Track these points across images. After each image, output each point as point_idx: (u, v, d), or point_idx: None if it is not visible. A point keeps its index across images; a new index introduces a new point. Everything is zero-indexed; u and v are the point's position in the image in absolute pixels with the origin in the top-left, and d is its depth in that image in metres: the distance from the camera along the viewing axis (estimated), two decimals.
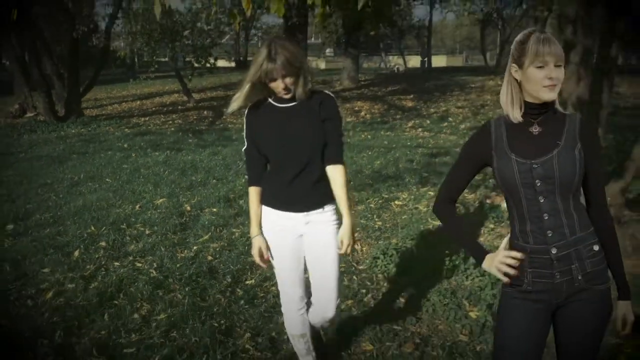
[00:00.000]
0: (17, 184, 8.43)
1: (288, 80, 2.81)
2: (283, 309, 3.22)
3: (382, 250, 5.03)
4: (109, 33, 17.37)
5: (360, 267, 4.98)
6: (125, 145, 11.62)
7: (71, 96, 15.78)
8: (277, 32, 34.48)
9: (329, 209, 3.01)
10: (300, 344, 3.24)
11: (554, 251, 2.07)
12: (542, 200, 2.07)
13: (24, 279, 4.89)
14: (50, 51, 15.92)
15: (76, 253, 5.40)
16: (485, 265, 2.16)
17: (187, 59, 20.63)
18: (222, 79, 27.33)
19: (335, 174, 2.94)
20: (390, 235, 5.65)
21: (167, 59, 19.98)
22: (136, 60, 28.70)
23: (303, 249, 3.10)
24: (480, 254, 2.20)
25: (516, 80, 2.08)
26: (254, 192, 3.06)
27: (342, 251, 3.01)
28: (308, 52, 22.19)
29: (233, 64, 39.71)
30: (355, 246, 5.08)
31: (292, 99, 2.91)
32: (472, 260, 4.78)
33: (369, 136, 12.03)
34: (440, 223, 2.47)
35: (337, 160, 2.94)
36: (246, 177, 3.13)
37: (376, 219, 6.15)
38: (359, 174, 8.27)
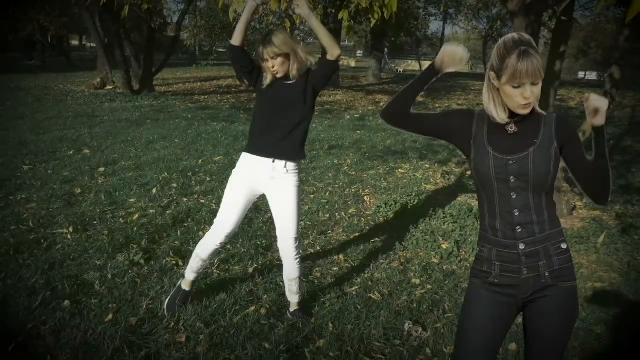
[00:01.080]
0: (104, 139, 8.77)
1: (277, 61, 2.99)
2: (208, 235, 3.32)
3: (385, 201, 5.59)
4: (179, 25, 17.60)
5: (367, 213, 5.52)
6: (189, 116, 11.84)
7: (145, 74, 16.04)
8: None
9: (291, 168, 3.16)
10: (197, 264, 3.34)
11: (522, 247, 1.86)
12: (514, 197, 1.86)
13: (115, 205, 5.39)
14: (129, 38, 16.42)
15: (154, 190, 5.93)
16: (438, 60, 1.96)
17: None
18: None
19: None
20: (392, 193, 6.16)
21: (224, 50, 20.39)
22: (197, 49, 29.24)
23: (252, 200, 3.28)
24: (430, 67, 1.99)
25: (494, 85, 1.83)
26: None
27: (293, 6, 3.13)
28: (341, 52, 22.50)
29: None
30: (365, 198, 5.68)
31: (289, 78, 3.10)
32: (448, 209, 5.33)
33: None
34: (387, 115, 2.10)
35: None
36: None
37: (383, 181, 6.65)
38: (373, 149, 8.74)
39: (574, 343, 3.18)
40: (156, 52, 17.57)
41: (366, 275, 4.04)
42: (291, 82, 3.12)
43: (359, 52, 47.82)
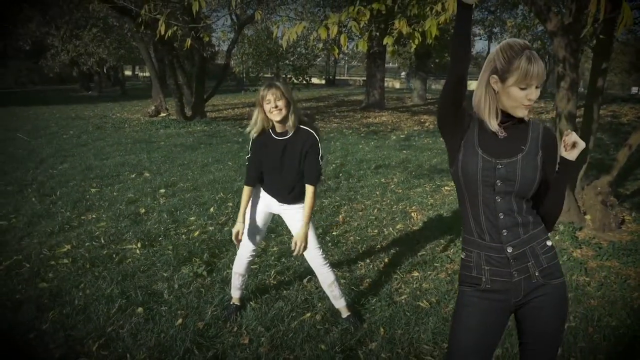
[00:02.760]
0: (162, 163, 9.27)
1: (279, 102, 3.16)
2: (238, 252, 3.64)
3: (431, 217, 5.78)
4: (229, 53, 18.15)
5: (414, 228, 5.70)
6: (240, 140, 12.22)
7: (197, 101, 16.57)
8: (361, 57, 35.11)
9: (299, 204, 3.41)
10: (238, 280, 3.69)
11: (509, 250, 1.86)
12: (498, 200, 1.85)
13: (177, 223, 5.77)
14: (182, 67, 17.09)
15: (211, 209, 6.30)
16: None
17: (288, 76, 21.61)
18: (315, 92, 28.32)
19: (308, 191, 3.29)
20: (439, 209, 6.32)
21: (271, 75, 20.97)
22: (244, 75, 30.08)
23: (269, 219, 3.58)
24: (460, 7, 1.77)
25: (493, 89, 1.83)
26: (247, 190, 3.45)
27: (295, 252, 3.31)
28: (385, 74, 22.86)
29: (324, 81, 40.79)
30: (412, 214, 5.88)
31: (285, 134, 3.28)
32: None
33: (430, 141, 12.47)
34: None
35: (311, 182, 3.28)
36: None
37: (429, 198, 6.83)
38: (419, 167, 8.92)
39: (619, 348, 3.30)
40: (206, 79, 18.19)
41: (414, 286, 4.24)
42: (288, 137, 3.29)
43: (403, 73, 47.97)
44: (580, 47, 5.15)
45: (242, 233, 3.46)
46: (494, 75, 1.81)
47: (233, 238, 3.46)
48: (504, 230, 1.86)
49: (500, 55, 1.80)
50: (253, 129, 3.34)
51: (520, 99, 1.78)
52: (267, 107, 3.19)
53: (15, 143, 11.51)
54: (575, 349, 3.29)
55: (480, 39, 32.40)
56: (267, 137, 3.34)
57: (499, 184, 1.84)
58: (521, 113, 1.82)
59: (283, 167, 3.33)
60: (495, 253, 1.88)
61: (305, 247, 3.32)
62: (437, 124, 1.94)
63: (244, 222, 3.47)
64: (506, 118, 1.87)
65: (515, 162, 1.83)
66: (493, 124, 1.85)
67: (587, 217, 5.54)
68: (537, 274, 1.88)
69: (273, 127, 3.32)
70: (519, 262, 1.87)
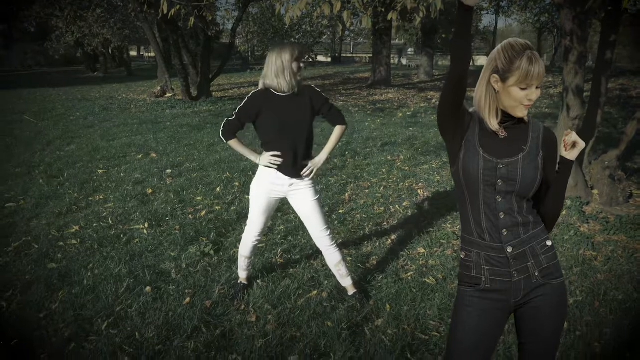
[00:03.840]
0: (169, 143, 9.28)
1: (302, 64, 3.31)
2: (244, 235, 3.63)
3: (438, 194, 5.77)
4: (234, 32, 17.96)
5: (421, 205, 5.70)
6: None
7: (203, 81, 16.49)
8: (367, 34, 34.82)
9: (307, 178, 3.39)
10: (244, 262, 3.71)
11: (509, 250, 1.86)
12: (499, 200, 1.86)
13: (184, 203, 5.80)
14: (187, 46, 16.98)
15: (218, 189, 6.31)
16: None
17: None
18: (321, 70, 28.03)
19: (337, 130, 3.41)
20: (446, 186, 6.31)
21: None
22: (250, 54, 29.92)
23: (276, 203, 3.49)
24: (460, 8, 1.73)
25: (494, 88, 1.83)
26: (235, 142, 3.41)
27: (306, 173, 3.36)
28: (392, 50, 22.65)
29: (329, 59, 40.44)
30: (419, 191, 5.87)
31: (289, 90, 3.26)
32: None
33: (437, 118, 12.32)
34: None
35: (341, 122, 3.40)
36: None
37: (436, 175, 6.80)
38: (426, 145, 8.86)
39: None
40: (212, 59, 18.10)
41: (421, 262, 4.25)
42: (293, 93, 3.29)
43: (409, 49, 47.56)
44: (588, 20, 5.06)
45: (272, 156, 3.32)
46: (495, 75, 1.81)
47: (272, 160, 3.31)
48: (504, 230, 1.86)
49: (502, 54, 1.79)
50: (285, 86, 3.25)
51: (521, 99, 1.78)
52: (296, 65, 3.23)
53: (23, 125, 11.55)
54: (581, 323, 3.29)
55: (487, 13, 31.97)
56: (270, 96, 3.28)
57: (500, 184, 1.84)
58: (521, 113, 1.82)
59: (296, 123, 3.28)
60: (495, 253, 1.88)
61: (316, 172, 3.42)
62: (438, 124, 1.93)
63: (257, 152, 3.42)
64: (506, 118, 1.86)
65: (517, 162, 1.84)
66: (493, 123, 1.85)
67: (595, 191, 5.51)
68: (536, 274, 1.88)
69: (274, 87, 3.28)
70: (519, 262, 1.87)
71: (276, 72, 3.22)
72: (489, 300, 1.90)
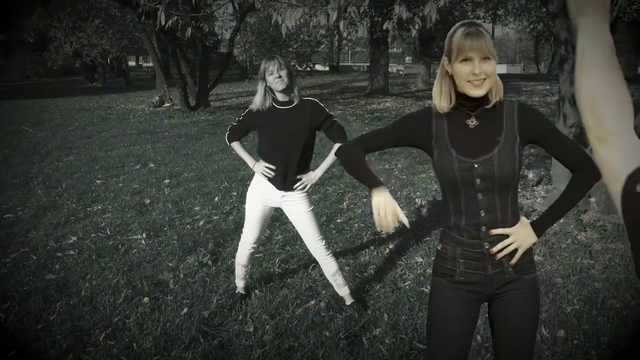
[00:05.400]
0: (167, 153, 9.28)
1: (282, 72, 3.16)
2: (240, 243, 3.63)
3: (436, 203, 5.78)
4: (232, 42, 18.03)
5: (419, 214, 5.72)
6: None
7: (201, 91, 16.48)
8: (364, 43, 34.98)
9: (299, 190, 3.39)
10: (241, 270, 3.72)
11: (486, 246, 1.85)
12: (480, 197, 1.82)
13: (182, 213, 5.80)
14: (185, 56, 17.02)
15: (216, 198, 6.32)
16: (375, 195, 1.96)
17: (292, 64, 21.48)
18: (318, 79, 28.09)
19: (336, 148, 3.28)
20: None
21: None
22: (248, 64, 30.00)
23: (270, 212, 3.51)
24: (376, 183, 1.97)
25: (448, 72, 1.78)
26: (236, 144, 3.50)
27: (299, 187, 3.36)
28: (390, 59, 22.73)
29: (327, 68, 40.60)
30: (416, 200, 5.88)
31: (289, 102, 3.27)
32: None
33: None
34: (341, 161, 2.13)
35: (342, 140, 3.33)
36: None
37: (434, 184, 6.81)
38: (423, 153, 8.86)
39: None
40: (210, 68, 18.13)
41: (419, 272, 4.25)
42: (293, 105, 3.28)
43: (407, 58, 47.72)
44: None
45: (266, 167, 3.35)
46: (445, 57, 1.78)
47: (264, 170, 3.34)
48: (483, 227, 1.85)
49: (446, 39, 1.78)
50: (258, 102, 3.28)
51: (467, 75, 1.70)
52: (270, 78, 3.18)
53: (21, 136, 11.56)
54: (579, 331, 3.30)
55: (484, 22, 32.07)
56: (270, 109, 3.29)
57: (479, 182, 1.80)
58: (472, 92, 1.73)
59: (290, 137, 3.27)
60: (472, 248, 1.87)
61: (309, 186, 3.43)
62: None
63: (254, 159, 3.44)
64: (472, 103, 1.79)
65: (492, 158, 1.79)
66: (442, 105, 1.80)
67: (592, 199, 5.52)
68: (510, 269, 1.88)
69: (274, 99, 3.30)
70: (494, 257, 1.87)
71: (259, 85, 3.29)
72: (463, 290, 1.91)
